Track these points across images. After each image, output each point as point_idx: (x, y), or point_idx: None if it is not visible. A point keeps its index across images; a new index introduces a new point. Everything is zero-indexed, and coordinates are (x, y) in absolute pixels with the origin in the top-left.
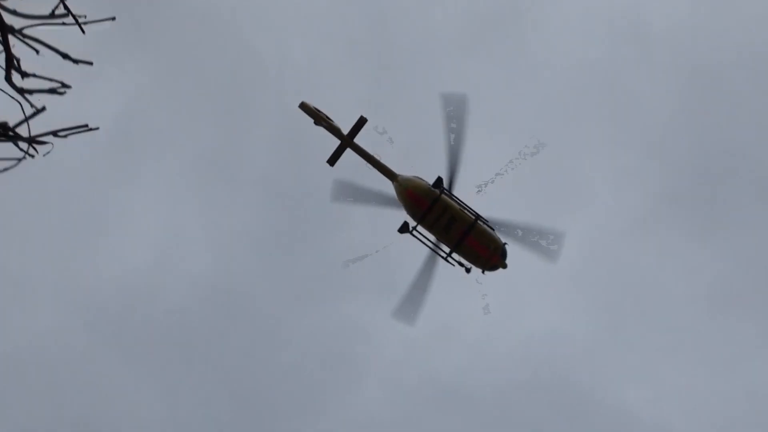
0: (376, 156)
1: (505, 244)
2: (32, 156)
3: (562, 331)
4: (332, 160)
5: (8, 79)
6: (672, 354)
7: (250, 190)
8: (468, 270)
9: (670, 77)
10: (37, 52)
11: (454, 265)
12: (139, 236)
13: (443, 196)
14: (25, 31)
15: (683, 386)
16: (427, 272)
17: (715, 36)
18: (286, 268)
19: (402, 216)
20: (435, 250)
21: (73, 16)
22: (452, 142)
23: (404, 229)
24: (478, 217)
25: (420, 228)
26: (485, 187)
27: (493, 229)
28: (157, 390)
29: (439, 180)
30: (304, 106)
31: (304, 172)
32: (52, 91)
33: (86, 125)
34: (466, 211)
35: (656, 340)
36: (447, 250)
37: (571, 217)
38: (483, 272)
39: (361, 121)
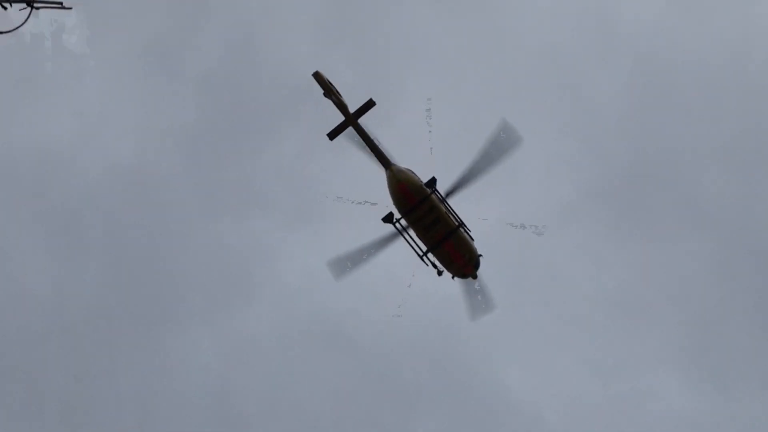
0: (375, 140)
1: (480, 255)
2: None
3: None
4: (332, 135)
5: None
6: (564, 347)
7: (191, 87)
8: (440, 273)
9: (626, 76)
10: None
11: (427, 264)
12: (67, 107)
13: (433, 196)
14: None
15: (565, 380)
16: (379, 245)
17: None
18: (209, 172)
19: (389, 205)
20: (412, 246)
21: None
22: (480, 164)
23: (388, 218)
24: (461, 224)
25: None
26: None
27: (473, 239)
28: (46, 263)
29: (433, 180)
30: (317, 76)
31: (251, 80)
32: None
33: (61, 3)
34: (451, 216)
35: (553, 331)
36: (424, 248)
37: (494, 196)
38: (453, 278)
39: (370, 104)
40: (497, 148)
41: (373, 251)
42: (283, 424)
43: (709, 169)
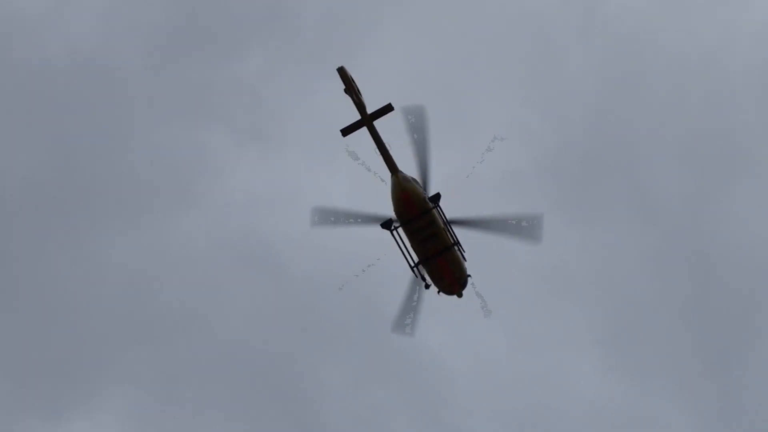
0: (387, 145)
1: (469, 276)
2: None
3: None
4: (345, 132)
5: None
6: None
7: None
8: (427, 286)
9: (602, 56)
10: None
11: (417, 276)
12: None
13: (434, 211)
14: None
15: (481, 344)
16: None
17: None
18: (169, 75)
19: (389, 210)
20: (405, 255)
21: None
22: (419, 151)
23: (387, 225)
24: (457, 243)
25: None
26: None
27: (465, 260)
28: None
29: (438, 195)
30: (342, 72)
31: None
32: None
33: None
34: (448, 234)
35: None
36: (416, 259)
37: (447, 151)
38: (438, 293)
39: (387, 108)
40: (418, 130)
41: (359, 221)
42: (194, 336)
43: (665, 164)
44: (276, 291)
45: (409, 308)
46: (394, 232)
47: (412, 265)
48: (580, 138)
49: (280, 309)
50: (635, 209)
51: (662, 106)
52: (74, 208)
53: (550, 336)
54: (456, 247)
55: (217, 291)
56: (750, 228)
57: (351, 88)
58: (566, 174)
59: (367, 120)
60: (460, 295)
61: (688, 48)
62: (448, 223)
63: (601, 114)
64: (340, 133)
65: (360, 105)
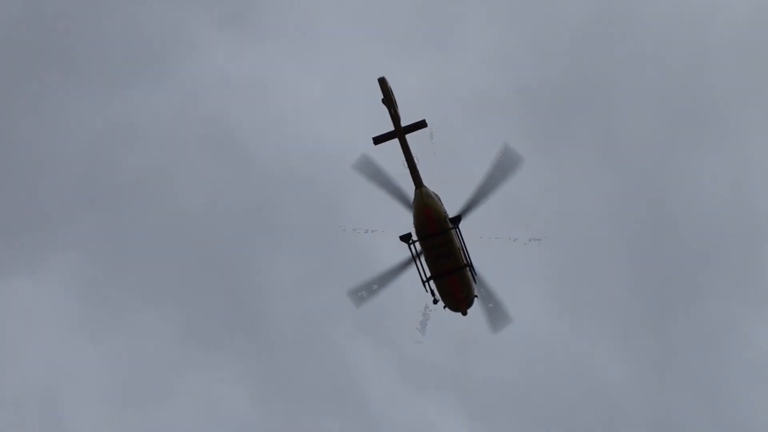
0: (415, 158)
1: (476, 296)
2: None
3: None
4: (377, 141)
5: None
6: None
7: None
8: (435, 301)
9: None
10: None
11: (427, 291)
12: None
13: (452, 231)
14: None
15: None
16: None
17: None
18: None
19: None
20: (418, 269)
21: None
22: (486, 187)
23: (406, 239)
24: (469, 265)
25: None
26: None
27: (476, 282)
28: None
29: (459, 217)
30: (382, 82)
31: None
32: None
33: None
34: (462, 254)
35: None
36: (428, 273)
37: (429, 67)
38: (444, 307)
39: (421, 124)
40: (501, 170)
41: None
42: (148, 211)
43: (640, 110)
44: (236, 179)
45: (371, 287)
46: (411, 246)
47: (424, 279)
48: (560, 72)
49: (238, 197)
50: (603, 150)
51: (645, 52)
52: (45, 69)
53: (500, 269)
54: (468, 269)
55: (177, 170)
56: (712, 186)
57: (389, 100)
58: (541, 106)
59: (400, 133)
60: (465, 314)
61: None
62: (464, 244)
63: (584, 51)
64: (372, 141)
65: (395, 117)
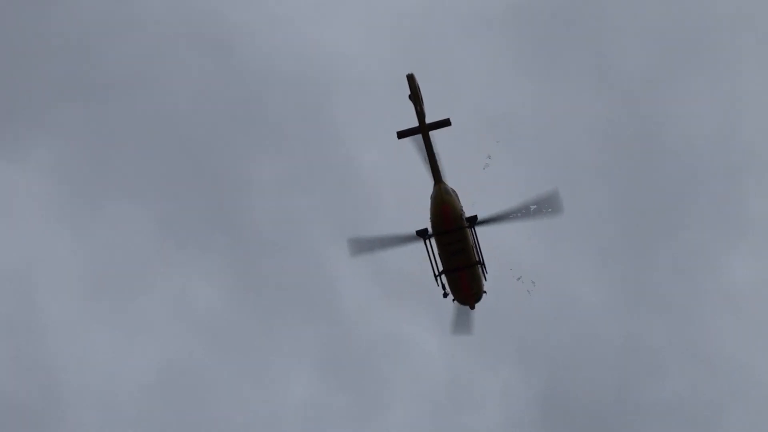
0: (437, 155)
1: (485, 292)
2: None
3: None
4: (401, 135)
5: None
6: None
7: None
8: (445, 295)
9: None
10: None
11: (438, 284)
12: None
13: (467, 230)
14: None
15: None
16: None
17: None
18: None
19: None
20: (431, 263)
21: None
22: (517, 215)
23: (422, 234)
24: (481, 262)
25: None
26: None
27: (486, 279)
28: None
29: (475, 217)
30: (411, 79)
31: None
32: None
33: None
34: (475, 252)
35: None
36: (440, 267)
37: None
38: (453, 300)
39: (445, 122)
40: (538, 209)
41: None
42: (134, 101)
43: (633, 37)
44: (225, 76)
45: (373, 244)
46: (427, 241)
47: (436, 273)
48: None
49: (226, 95)
50: (594, 75)
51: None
52: None
53: (482, 183)
54: (480, 266)
55: (166, 63)
56: (701, 115)
57: (416, 97)
58: (535, 26)
59: (424, 129)
60: (472, 308)
61: None
62: (478, 242)
63: None
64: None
65: (421, 114)
